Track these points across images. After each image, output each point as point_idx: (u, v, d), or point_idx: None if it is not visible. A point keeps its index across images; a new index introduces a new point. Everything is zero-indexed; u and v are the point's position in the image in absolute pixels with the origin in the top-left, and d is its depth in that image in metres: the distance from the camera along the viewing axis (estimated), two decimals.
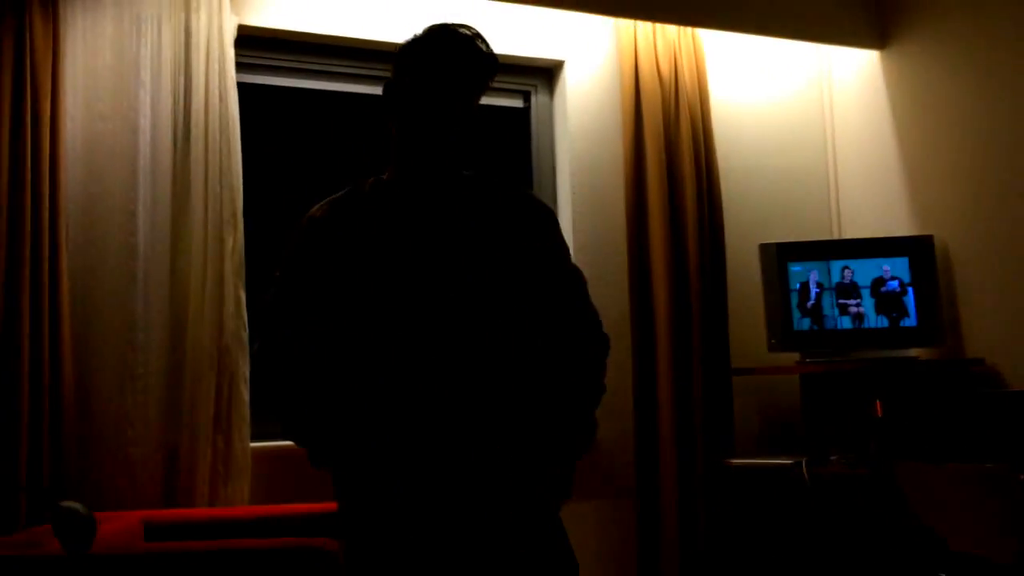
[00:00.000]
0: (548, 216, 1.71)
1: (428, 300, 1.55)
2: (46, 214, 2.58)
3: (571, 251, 1.81)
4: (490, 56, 1.62)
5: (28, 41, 2.60)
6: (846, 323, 3.24)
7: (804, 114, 3.76)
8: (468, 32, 1.61)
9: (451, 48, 1.59)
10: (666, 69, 3.38)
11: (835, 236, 3.69)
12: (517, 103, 3.46)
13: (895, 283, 3.22)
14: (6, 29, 2.58)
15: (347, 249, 1.59)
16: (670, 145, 3.36)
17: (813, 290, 3.25)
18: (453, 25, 1.62)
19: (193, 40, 2.81)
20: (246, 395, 2.76)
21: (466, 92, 1.59)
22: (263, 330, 1.63)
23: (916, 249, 3.22)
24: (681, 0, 3.31)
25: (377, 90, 3.18)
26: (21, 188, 2.55)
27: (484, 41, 1.62)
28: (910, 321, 3.19)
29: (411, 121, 1.60)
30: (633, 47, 3.37)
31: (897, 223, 3.45)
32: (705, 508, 3.19)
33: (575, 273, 1.71)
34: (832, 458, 3.07)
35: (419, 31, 1.64)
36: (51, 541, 2.08)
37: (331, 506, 2.46)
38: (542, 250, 1.66)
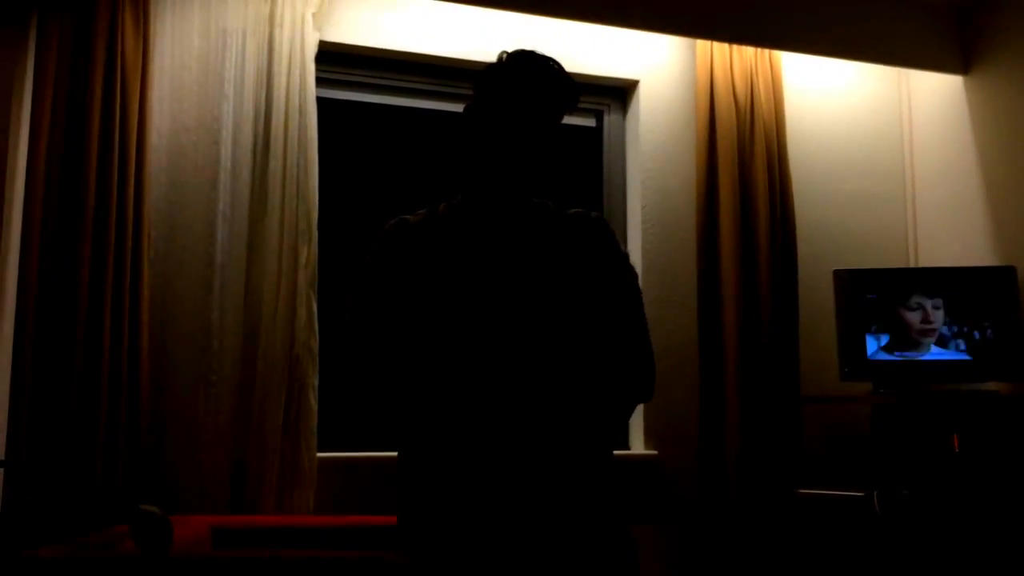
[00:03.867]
0: (603, 231, 1.70)
1: (489, 324, 1.58)
2: (130, 221, 2.65)
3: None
4: (572, 86, 1.64)
5: (119, 52, 2.68)
6: (921, 354, 3.15)
7: (882, 139, 3.68)
8: (550, 64, 1.63)
9: (534, 76, 1.61)
10: (742, 91, 3.34)
11: (912, 264, 3.60)
12: (589, 122, 3.46)
13: (974, 314, 3.13)
14: (99, 40, 2.67)
15: (419, 269, 1.61)
16: (744, 167, 3.31)
17: (888, 319, 3.17)
18: (536, 53, 1.64)
19: (276, 55, 2.87)
20: (314, 405, 2.79)
21: (546, 120, 1.61)
22: (353, 333, 1.64)
23: (997, 280, 3.12)
24: (761, 22, 3.28)
25: (453, 107, 3.25)
26: (108, 195, 2.62)
27: (564, 73, 1.64)
28: (989, 354, 3.09)
29: (490, 146, 1.62)
30: (709, 68, 3.34)
31: (977, 253, 3.35)
32: (772, 537, 3.12)
33: (632, 295, 1.68)
34: (904, 492, 2.98)
35: (503, 56, 1.66)
36: (126, 542, 2.12)
37: (395, 519, 2.49)
38: (601, 274, 1.66)
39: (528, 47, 1.72)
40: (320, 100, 2.94)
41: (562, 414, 1.56)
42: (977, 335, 3.11)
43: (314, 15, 2.93)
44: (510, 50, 1.66)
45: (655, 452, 3.20)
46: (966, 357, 3.11)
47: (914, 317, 3.17)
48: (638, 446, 3.21)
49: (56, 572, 1.93)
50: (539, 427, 1.55)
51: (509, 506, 1.52)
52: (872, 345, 3.16)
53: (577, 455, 1.55)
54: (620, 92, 3.47)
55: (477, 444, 1.54)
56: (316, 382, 2.80)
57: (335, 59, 3.08)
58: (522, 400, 1.55)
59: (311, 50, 2.91)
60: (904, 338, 3.16)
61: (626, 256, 1.71)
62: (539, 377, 1.57)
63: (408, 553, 1.60)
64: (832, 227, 3.53)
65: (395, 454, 2.87)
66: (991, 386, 3.15)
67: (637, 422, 3.25)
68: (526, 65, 1.62)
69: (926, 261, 3.57)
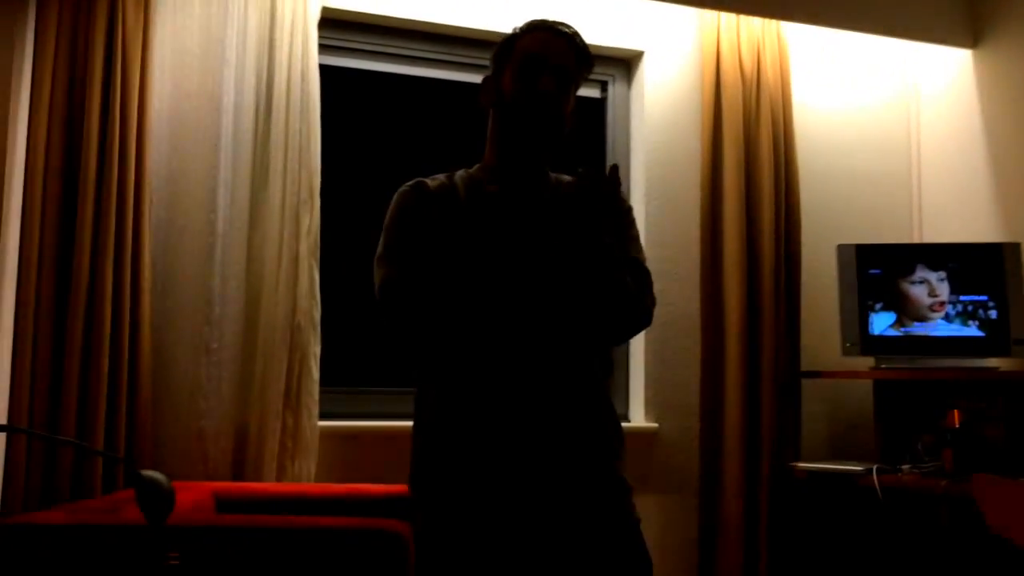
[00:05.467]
0: (620, 204, 1.72)
1: (506, 287, 1.58)
2: (131, 188, 2.63)
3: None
4: (588, 54, 1.66)
5: (120, 18, 2.65)
6: (923, 329, 3.15)
7: (888, 113, 3.65)
8: (567, 30, 1.65)
9: (550, 43, 1.62)
10: (749, 64, 3.31)
11: (916, 240, 3.59)
12: (594, 93, 3.43)
13: (977, 290, 3.12)
14: (100, 5, 2.63)
15: (437, 228, 1.60)
16: (749, 141, 3.29)
17: (891, 294, 3.17)
18: (553, 22, 1.65)
19: (278, 21, 2.84)
20: (316, 373, 2.79)
21: (562, 87, 1.62)
22: (386, 264, 1.61)
23: (1001, 256, 3.10)
24: None
25: (456, 76, 3.23)
26: (109, 161, 2.60)
27: (581, 39, 1.66)
28: (992, 330, 3.08)
29: (507, 114, 1.62)
30: (715, 40, 3.31)
31: (982, 229, 3.34)
32: (769, 511, 3.13)
33: (636, 263, 1.69)
34: (904, 467, 2.99)
35: (518, 26, 1.66)
36: (128, 508, 2.13)
37: (396, 489, 2.51)
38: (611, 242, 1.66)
39: (534, 16, 1.72)
40: (323, 67, 2.91)
41: (569, 364, 1.57)
42: (981, 312, 3.11)
43: None
44: (522, 22, 1.67)
45: (655, 425, 3.21)
46: (968, 333, 3.11)
47: (918, 291, 3.16)
48: (639, 418, 3.22)
49: (59, 537, 1.93)
50: (552, 382, 1.56)
51: (523, 448, 1.53)
52: (874, 320, 3.16)
53: (579, 393, 1.57)
54: (625, 63, 3.44)
55: (495, 390, 1.54)
56: (318, 350, 2.80)
57: (338, 26, 3.04)
58: (536, 358, 1.56)
59: (314, 16, 2.88)
60: (907, 312, 3.16)
61: (629, 208, 1.72)
62: (552, 332, 1.57)
63: (418, 493, 1.60)
64: (836, 202, 3.52)
65: (394, 424, 2.90)
66: (993, 362, 3.15)
67: (638, 395, 3.25)
68: (544, 32, 1.64)
69: (930, 237, 3.56)
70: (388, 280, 1.57)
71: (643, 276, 1.66)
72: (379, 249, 1.64)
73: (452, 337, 1.57)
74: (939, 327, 3.14)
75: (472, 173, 1.70)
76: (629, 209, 1.74)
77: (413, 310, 1.56)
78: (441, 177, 1.70)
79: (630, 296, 1.60)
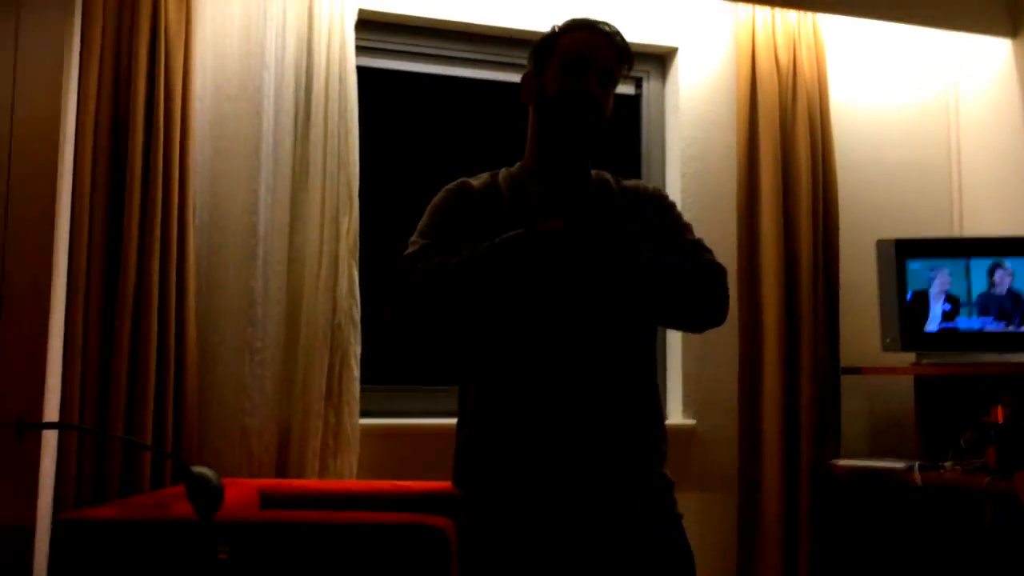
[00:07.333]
0: (663, 201, 1.75)
1: (557, 289, 1.57)
2: (175, 190, 2.68)
3: None
4: (630, 54, 1.67)
5: (164, 22, 2.70)
6: (966, 324, 3.11)
7: (927, 106, 3.61)
8: (608, 29, 1.65)
9: (593, 43, 1.63)
10: (784, 58, 3.29)
11: (956, 234, 3.54)
12: (629, 90, 3.43)
13: (1017, 283, 3.08)
14: (143, 9, 2.68)
15: (479, 230, 1.60)
16: (785, 136, 3.28)
17: (932, 289, 3.13)
18: (595, 21, 1.66)
19: (316, 23, 2.87)
20: (356, 372, 2.83)
21: (604, 87, 1.63)
22: (416, 258, 1.59)
23: None
24: None
25: (493, 75, 3.25)
26: (153, 165, 2.65)
27: (623, 38, 1.67)
28: None
29: (550, 113, 1.63)
30: (751, 35, 3.29)
31: (1023, 221, 3.29)
32: (809, 508, 3.12)
33: (698, 244, 1.70)
34: (946, 464, 2.96)
35: (559, 25, 1.67)
36: (177, 503, 2.18)
37: (437, 485, 2.53)
38: (664, 235, 1.67)
39: (570, 14, 1.73)
40: (360, 69, 2.95)
41: (615, 361, 1.57)
42: (1020, 306, 3.06)
43: None
44: (561, 21, 1.68)
45: (694, 422, 3.20)
46: (1008, 328, 3.07)
47: (960, 286, 3.12)
48: (676, 416, 3.22)
49: (112, 532, 1.99)
50: (597, 379, 1.56)
51: (572, 449, 1.53)
52: (914, 315, 3.13)
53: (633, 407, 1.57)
54: (659, 59, 3.43)
55: (539, 387, 1.54)
56: (358, 350, 2.83)
57: (374, 27, 3.08)
58: (581, 355, 1.55)
59: (351, 18, 2.91)
60: (948, 308, 3.12)
61: (689, 226, 1.73)
62: (605, 344, 1.57)
63: (463, 488, 1.61)
64: (875, 196, 3.49)
65: (434, 422, 2.93)
66: None
67: (676, 392, 3.25)
68: (586, 31, 1.65)
69: (971, 230, 3.51)
70: (410, 269, 1.55)
71: (712, 261, 1.66)
72: (411, 239, 1.62)
73: (494, 334, 1.58)
74: (978, 322, 3.10)
75: (514, 172, 1.70)
76: (672, 205, 1.74)
77: (432, 298, 1.53)
78: (485, 176, 1.70)
79: (703, 274, 1.61)
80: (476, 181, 1.69)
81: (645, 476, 1.59)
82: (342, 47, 2.89)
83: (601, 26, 1.66)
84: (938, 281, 3.14)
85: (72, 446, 2.52)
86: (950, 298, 3.12)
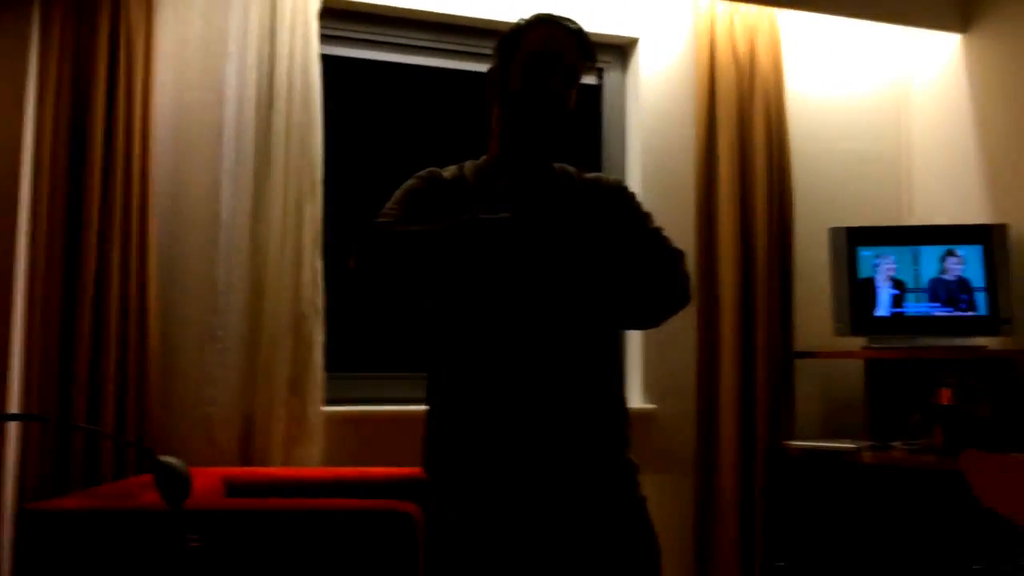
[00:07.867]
0: (624, 192, 1.78)
1: (516, 274, 1.58)
2: (136, 179, 2.67)
3: None
4: (593, 51, 1.68)
5: (124, 10, 2.67)
6: (913, 309, 3.21)
7: (879, 98, 3.70)
8: (573, 26, 1.66)
9: (558, 40, 1.64)
10: (743, 50, 3.36)
11: (906, 222, 3.65)
12: (590, 80, 3.47)
13: (966, 271, 3.19)
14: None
15: (450, 215, 1.59)
16: (743, 126, 3.34)
17: (881, 275, 3.23)
18: (559, 17, 1.67)
19: (279, 12, 2.86)
20: (320, 360, 2.84)
21: (569, 84, 1.65)
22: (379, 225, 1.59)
23: (990, 237, 3.17)
24: None
25: (458, 65, 3.26)
26: (114, 153, 2.64)
27: (586, 35, 1.68)
28: (980, 310, 3.15)
29: (515, 109, 1.65)
30: (710, 27, 3.35)
31: (971, 211, 3.40)
32: (764, 487, 3.21)
33: (657, 232, 1.73)
34: (895, 444, 3.07)
35: (523, 19, 1.68)
36: (142, 493, 2.19)
37: (403, 471, 2.56)
38: (625, 224, 1.71)
39: (533, 7, 1.75)
40: (324, 58, 2.94)
41: (580, 348, 1.60)
42: (969, 291, 3.18)
43: None
44: (527, 15, 1.69)
45: (654, 406, 3.27)
46: (957, 313, 3.18)
47: (907, 272, 3.22)
48: (637, 400, 3.28)
49: (81, 522, 1.99)
50: (563, 367, 1.59)
51: (540, 434, 1.56)
52: (864, 301, 3.23)
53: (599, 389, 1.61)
54: (620, 50, 3.48)
55: (507, 375, 1.56)
56: (322, 338, 2.85)
57: (339, 15, 3.07)
58: (547, 343, 1.58)
59: (315, 6, 2.91)
60: (896, 294, 3.22)
61: (649, 215, 1.76)
62: (571, 333, 1.60)
63: (433, 476, 1.63)
64: (828, 185, 3.57)
65: (400, 408, 2.95)
66: (981, 341, 3.22)
67: (636, 377, 3.32)
68: (548, 27, 1.66)
69: (920, 219, 3.62)
70: (368, 231, 1.57)
71: (673, 247, 1.70)
72: (380, 212, 1.62)
73: (458, 321, 1.60)
74: (929, 307, 3.21)
75: (480, 165, 1.72)
76: (633, 195, 1.77)
77: (378, 262, 1.54)
78: (452, 168, 1.72)
79: (670, 261, 1.65)
80: (446, 172, 1.71)
81: (611, 461, 1.63)
82: (305, 35, 2.88)
83: (566, 23, 1.67)
84: (884, 267, 3.24)
85: (34, 437, 2.50)
86: (897, 283, 3.23)
